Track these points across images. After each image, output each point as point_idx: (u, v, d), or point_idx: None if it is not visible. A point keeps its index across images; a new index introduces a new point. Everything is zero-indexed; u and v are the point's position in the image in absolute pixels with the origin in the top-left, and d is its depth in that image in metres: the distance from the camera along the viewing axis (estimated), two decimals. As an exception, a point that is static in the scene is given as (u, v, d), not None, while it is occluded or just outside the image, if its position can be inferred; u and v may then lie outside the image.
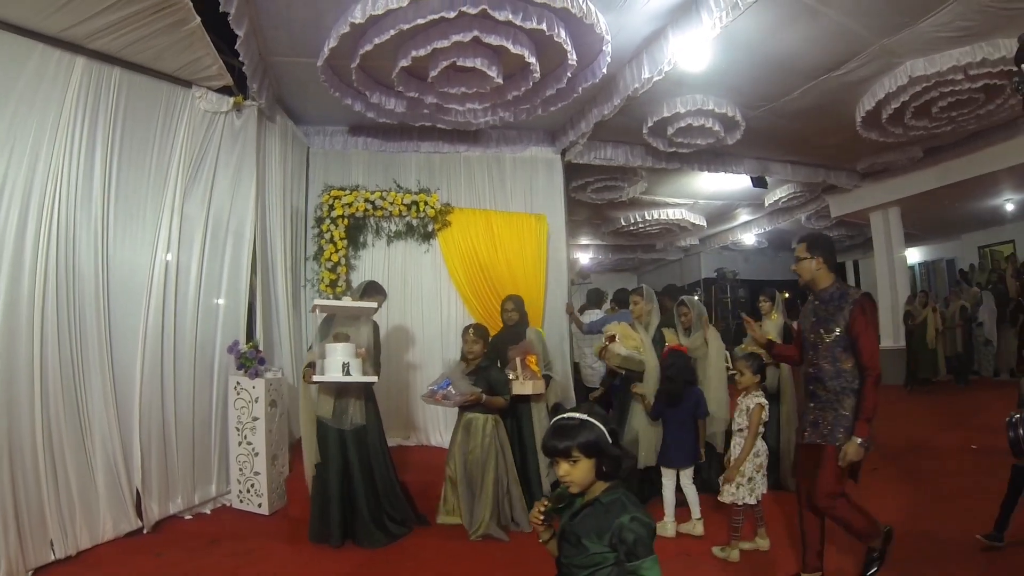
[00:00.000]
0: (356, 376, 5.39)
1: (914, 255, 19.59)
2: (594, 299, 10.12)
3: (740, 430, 5.07)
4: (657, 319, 6.36)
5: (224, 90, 6.63)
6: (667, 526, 5.38)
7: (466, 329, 5.88)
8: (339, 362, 5.32)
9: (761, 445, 5.04)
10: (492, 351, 6.13)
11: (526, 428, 6.23)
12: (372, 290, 5.96)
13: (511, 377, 5.80)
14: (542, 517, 2.52)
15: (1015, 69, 2.04)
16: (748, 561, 4.90)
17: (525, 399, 5.96)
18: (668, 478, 5.57)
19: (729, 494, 4.97)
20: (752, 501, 4.94)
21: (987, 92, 8.07)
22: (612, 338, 6.11)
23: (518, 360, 5.82)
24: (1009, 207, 15.10)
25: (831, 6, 6.34)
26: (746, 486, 4.93)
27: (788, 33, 6.79)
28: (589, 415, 2.45)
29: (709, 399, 6.11)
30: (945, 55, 7.29)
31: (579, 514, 2.47)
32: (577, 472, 2.43)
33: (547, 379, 6.06)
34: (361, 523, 5.49)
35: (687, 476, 5.55)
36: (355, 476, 5.54)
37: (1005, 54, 7.00)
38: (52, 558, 4.92)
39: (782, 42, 6.98)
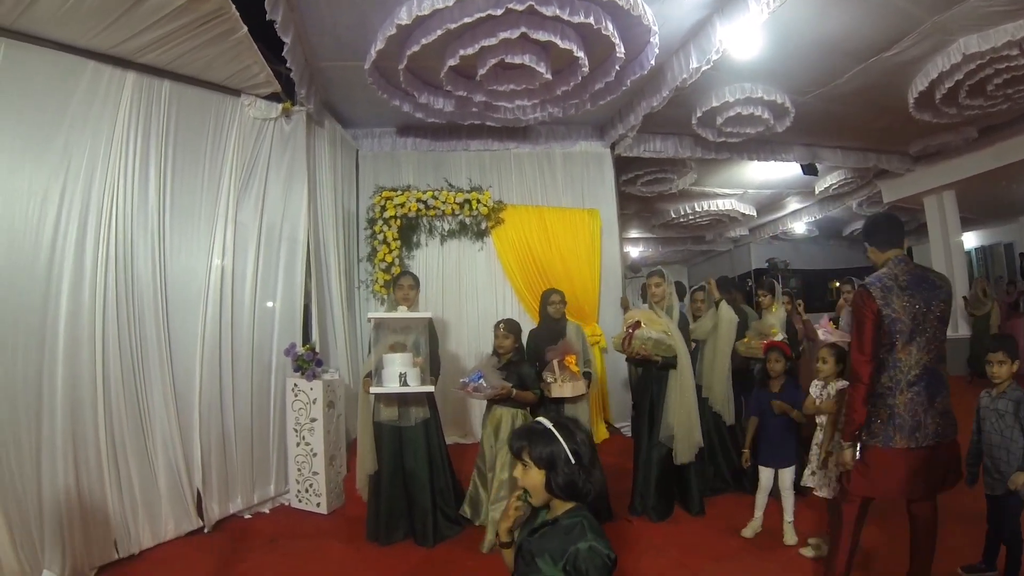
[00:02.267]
0: (414, 386, 5.29)
1: (970, 240, 18.77)
2: (679, 291, 9.98)
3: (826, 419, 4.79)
4: (678, 303, 6.14)
5: (272, 97, 6.60)
6: (754, 524, 5.24)
7: (497, 324, 5.72)
8: (396, 372, 5.24)
9: None
10: (532, 345, 6.03)
11: None
12: (396, 280, 5.84)
13: (549, 380, 5.60)
14: (519, 504, 2.43)
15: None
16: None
17: (564, 401, 5.74)
18: (766, 477, 5.26)
19: (822, 486, 4.70)
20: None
21: None
22: (637, 324, 5.83)
23: (556, 362, 5.64)
24: None
25: None
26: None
27: (837, 15, 6.54)
28: (557, 427, 2.35)
29: (713, 383, 6.24)
30: (999, 30, 6.91)
31: (538, 531, 2.37)
32: (528, 479, 2.36)
33: (587, 376, 5.87)
34: (420, 520, 5.43)
35: (788, 479, 5.17)
36: (417, 473, 5.47)
37: None
38: (116, 556, 5.00)
39: (831, 24, 6.73)
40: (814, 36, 6.97)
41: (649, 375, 6.00)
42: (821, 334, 6.89)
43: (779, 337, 6.36)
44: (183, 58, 5.48)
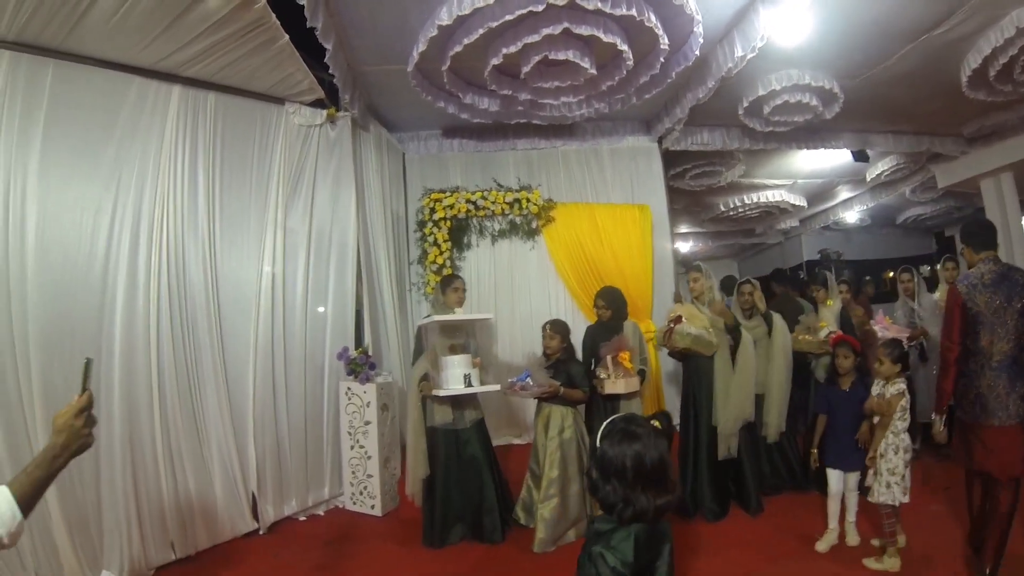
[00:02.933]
0: (477, 387, 5.30)
1: None
2: (726, 285, 9.85)
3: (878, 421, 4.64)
4: (721, 298, 6.02)
5: (317, 104, 6.65)
6: (828, 535, 4.96)
7: (544, 325, 5.70)
8: (460, 374, 5.22)
9: (907, 439, 4.52)
10: (588, 343, 5.96)
11: None
12: (449, 282, 5.78)
13: (602, 376, 5.52)
14: None
15: None
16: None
17: (618, 397, 5.64)
18: (836, 481, 4.97)
19: (879, 493, 4.48)
20: (906, 499, 4.44)
21: None
22: (678, 319, 5.74)
23: (609, 358, 5.53)
24: None
25: None
26: (900, 484, 4.44)
27: (885, -7, 6.34)
28: (624, 433, 2.26)
29: (771, 400, 6.01)
30: None
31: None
32: None
33: (642, 374, 5.75)
34: (488, 516, 5.43)
35: (853, 481, 4.91)
36: (480, 472, 5.48)
37: None
38: (173, 558, 5.12)
39: (877, 4, 6.47)
40: (860, 17, 6.73)
41: (690, 370, 5.95)
42: (878, 331, 6.72)
43: (825, 332, 6.22)
44: (227, 69, 5.54)
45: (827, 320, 6.43)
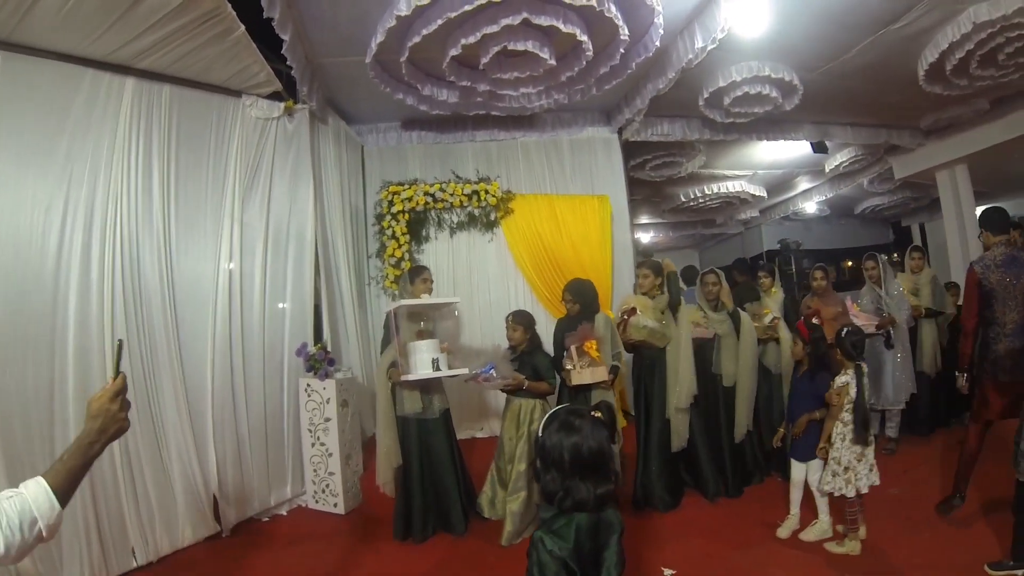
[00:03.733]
0: (446, 371, 5.35)
1: None
2: (688, 276, 9.96)
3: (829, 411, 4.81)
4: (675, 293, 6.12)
5: (274, 96, 6.61)
6: (790, 520, 5.09)
7: (507, 317, 5.77)
8: (428, 359, 5.26)
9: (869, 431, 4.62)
10: (559, 337, 5.94)
11: None
12: (418, 272, 5.85)
13: (568, 367, 5.53)
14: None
15: None
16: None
17: (588, 388, 5.63)
18: (795, 471, 5.11)
19: (826, 483, 4.67)
20: (850, 493, 4.54)
21: None
22: (632, 311, 5.82)
23: (574, 348, 5.55)
24: None
25: None
26: (842, 476, 4.57)
27: (845, -14, 6.47)
28: (562, 423, 2.36)
29: (740, 398, 6.19)
30: None
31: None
32: None
33: (615, 369, 5.72)
34: (455, 509, 5.51)
35: (815, 471, 4.98)
36: (444, 462, 5.54)
37: None
38: (134, 564, 5.06)
39: None
40: (821, 10, 6.87)
41: (642, 362, 6.05)
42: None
43: (769, 318, 6.45)
44: (182, 61, 5.48)
45: (770, 307, 6.66)
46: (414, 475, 5.42)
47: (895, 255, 16.82)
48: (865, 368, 4.78)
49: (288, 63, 6.16)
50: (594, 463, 2.29)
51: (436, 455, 5.52)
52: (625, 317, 5.80)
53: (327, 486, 6.33)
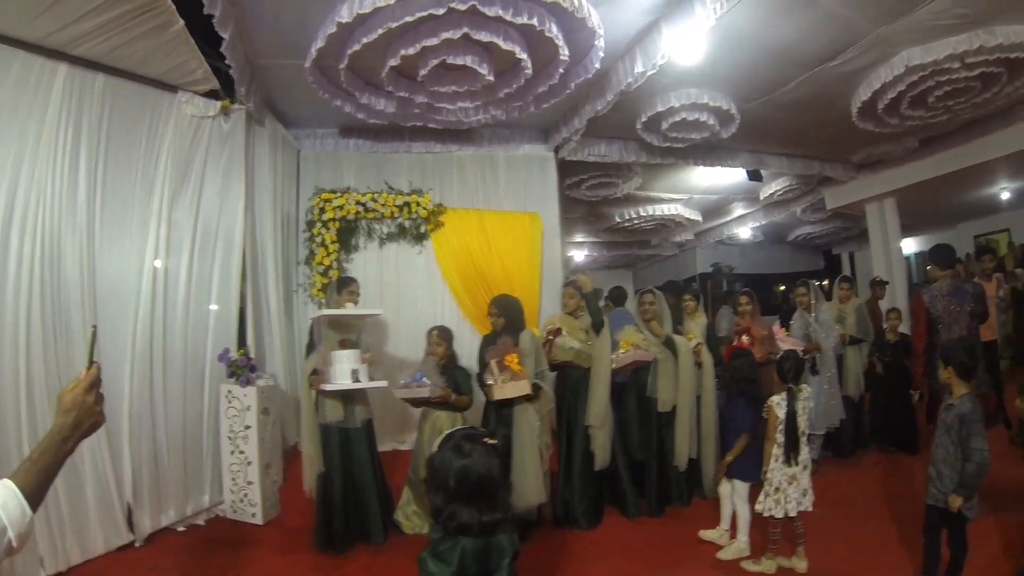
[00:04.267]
0: (365, 382, 5.41)
1: (910, 245, 19.57)
2: (616, 297, 10.14)
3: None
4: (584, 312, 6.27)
5: (211, 94, 6.54)
6: (741, 544, 5.11)
7: (431, 331, 5.85)
8: (348, 369, 5.32)
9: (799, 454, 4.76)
10: (481, 355, 5.97)
11: (515, 434, 5.67)
12: (345, 283, 5.90)
13: (489, 382, 5.58)
14: None
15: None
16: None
17: (511, 403, 5.64)
18: (743, 491, 5.19)
19: (759, 503, 4.80)
20: (779, 514, 4.68)
21: (984, 80, 8.00)
22: (557, 331, 5.98)
23: (494, 363, 5.56)
24: (1004, 195, 15.01)
25: None
26: (773, 496, 4.73)
27: (783, 23, 6.71)
28: (454, 446, 2.38)
29: (680, 425, 6.27)
30: (942, 43, 7.18)
31: None
32: None
33: (537, 388, 5.72)
34: (373, 519, 5.57)
35: (739, 491, 5.20)
36: (365, 472, 5.59)
37: (1002, 41, 6.95)
38: (42, 574, 4.87)
39: (777, 33, 6.90)
40: (760, 44, 7.13)
41: (565, 381, 6.19)
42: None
43: (693, 343, 6.57)
44: (118, 51, 5.39)
45: (694, 332, 6.79)
46: (335, 484, 5.45)
47: (825, 282, 17.37)
48: (807, 392, 4.96)
49: (227, 62, 6.07)
50: (480, 489, 2.30)
51: (357, 465, 5.57)
52: (551, 338, 5.94)
53: (245, 495, 6.24)
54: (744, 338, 6.93)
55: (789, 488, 4.68)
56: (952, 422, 4.15)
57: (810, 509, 4.71)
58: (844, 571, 4.76)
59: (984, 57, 7.20)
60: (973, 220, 17.38)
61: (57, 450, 1.75)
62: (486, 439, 2.40)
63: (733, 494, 5.22)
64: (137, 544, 5.56)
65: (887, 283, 10.33)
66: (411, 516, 5.77)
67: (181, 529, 6.03)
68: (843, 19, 6.71)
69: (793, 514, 4.69)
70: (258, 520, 6.17)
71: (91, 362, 1.89)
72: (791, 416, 4.75)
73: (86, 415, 1.81)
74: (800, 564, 4.76)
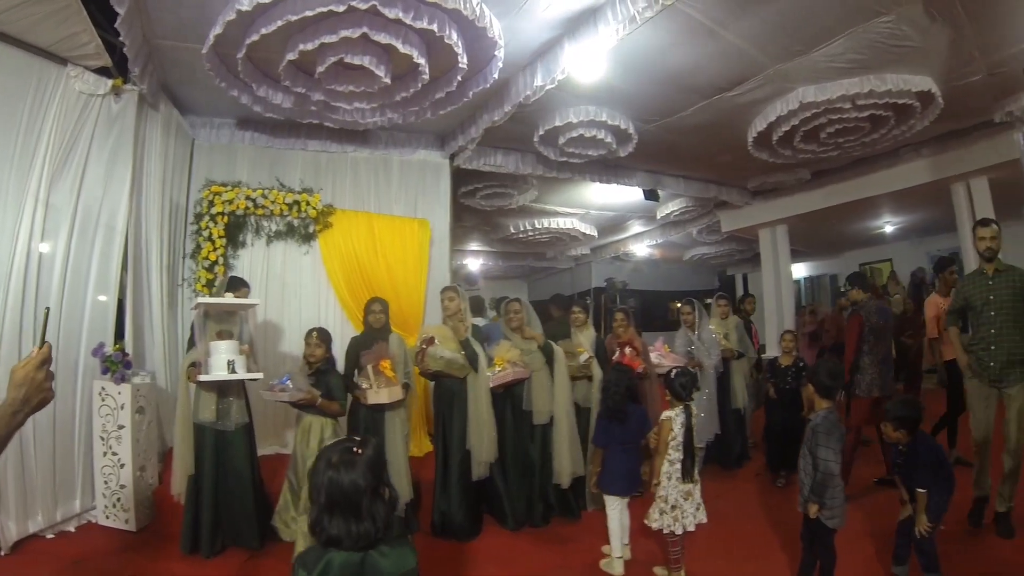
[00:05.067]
0: (241, 373, 5.38)
1: (800, 270, 20.95)
2: (474, 307, 10.12)
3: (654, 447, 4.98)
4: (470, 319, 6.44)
5: (103, 71, 6.34)
6: (614, 562, 5.15)
7: (309, 332, 5.78)
8: (224, 360, 5.29)
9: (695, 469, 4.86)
10: (352, 355, 6.09)
11: (388, 439, 5.85)
12: (236, 284, 5.95)
13: (364, 386, 5.69)
14: None
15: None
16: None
17: (382, 408, 5.80)
18: (614, 508, 5.21)
19: (653, 520, 4.83)
20: (678, 531, 4.73)
21: (872, 122, 8.70)
22: (430, 340, 6.00)
23: (370, 367, 5.70)
24: (888, 229, 16.54)
25: (729, 29, 6.61)
26: (670, 514, 4.76)
27: (685, 51, 7.03)
28: (324, 457, 2.44)
29: (559, 438, 6.30)
30: (835, 84, 7.80)
31: None
32: None
33: (406, 387, 5.90)
34: (248, 525, 5.51)
35: (612, 506, 5.22)
36: (242, 477, 5.54)
37: (891, 87, 7.67)
38: None
39: (679, 59, 7.22)
40: (662, 68, 7.45)
41: (441, 391, 6.26)
42: (655, 358, 7.25)
43: (584, 357, 6.68)
44: (5, 14, 5.20)
45: (583, 345, 6.93)
46: (206, 487, 5.40)
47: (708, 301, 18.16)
48: (694, 409, 5.10)
49: (122, 38, 5.87)
50: (348, 500, 2.32)
51: (233, 469, 5.53)
52: (423, 346, 5.98)
53: (118, 500, 6.04)
54: (627, 350, 7.14)
55: (686, 504, 4.77)
56: (808, 434, 4.48)
57: (704, 521, 4.85)
58: (730, 572, 5.04)
59: (874, 100, 7.93)
60: (859, 249, 18.80)
61: (7, 424, 1.89)
62: (355, 449, 2.42)
63: (621, 507, 5.27)
64: (2, 552, 5.29)
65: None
66: (288, 522, 5.62)
67: (50, 536, 5.75)
68: (743, 52, 7.10)
69: (691, 528, 4.78)
70: (132, 527, 5.97)
71: (43, 341, 2.00)
72: (689, 432, 4.86)
73: (36, 391, 1.95)
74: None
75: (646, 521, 4.88)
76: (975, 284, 5.75)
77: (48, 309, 2.05)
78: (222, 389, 5.47)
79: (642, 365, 6.91)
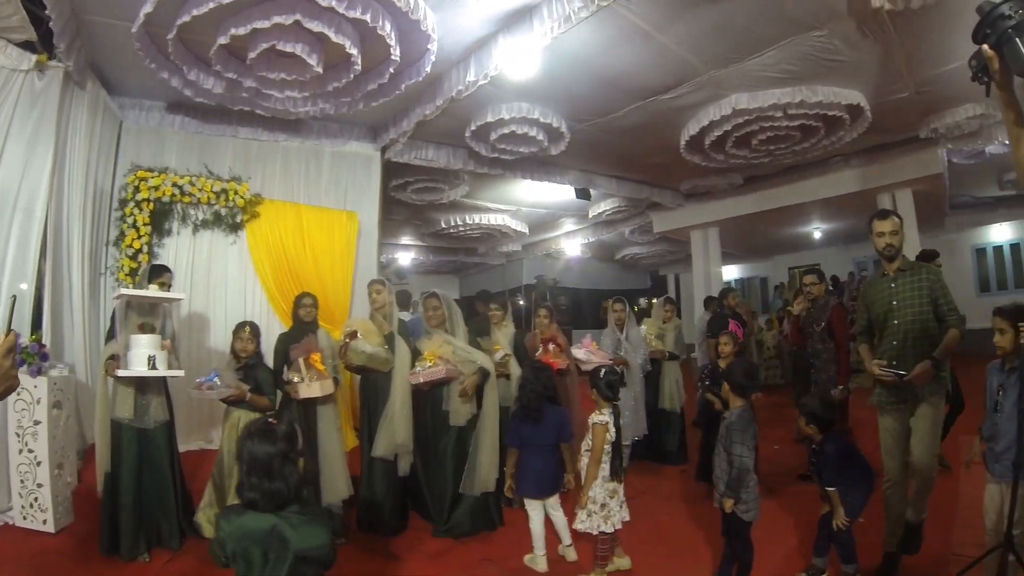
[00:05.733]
0: (162, 370, 5.25)
1: (731, 271, 21.61)
2: (401, 301, 10.14)
3: (587, 450, 4.91)
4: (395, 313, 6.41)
5: (27, 46, 6.20)
6: (537, 559, 5.15)
7: (241, 326, 5.75)
8: (144, 355, 5.14)
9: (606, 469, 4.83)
10: (281, 349, 6.05)
11: (321, 434, 5.86)
12: (157, 272, 5.76)
13: (295, 380, 5.66)
14: None
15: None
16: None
17: (314, 402, 5.77)
18: (534, 509, 5.21)
19: (580, 522, 4.81)
20: (608, 529, 4.76)
21: (803, 131, 9.11)
22: (353, 334, 5.92)
23: (301, 361, 5.67)
24: (817, 234, 17.37)
25: (666, 33, 6.79)
26: (599, 513, 4.77)
27: (620, 53, 7.19)
28: (247, 429, 2.88)
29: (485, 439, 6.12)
30: (768, 93, 8.16)
31: None
32: None
33: (335, 381, 5.94)
34: (170, 523, 5.39)
35: (554, 505, 5.23)
36: (163, 475, 5.41)
37: (822, 99, 8.10)
38: None
39: (614, 61, 7.39)
40: (597, 68, 7.62)
41: (367, 385, 6.22)
42: (582, 354, 7.24)
43: (500, 355, 6.58)
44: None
45: (501, 342, 6.85)
46: (125, 486, 5.24)
47: (652, 300, 18.50)
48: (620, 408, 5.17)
49: (48, 11, 5.70)
50: (262, 464, 2.67)
51: (153, 467, 5.39)
52: (347, 340, 5.94)
53: (35, 500, 5.75)
54: (551, 347, 7.21)
55: (612, 502, 4.80)
56: (723, 431, 4.66)
57: (627, 519, 4.87)
58: (656, 565, 5.13)
59: (805, 111, 8.34)
60: (788, 253, 19.53)
61: None
62: (270, 421, 2.85)
63: (541, 509, 5.25)
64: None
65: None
66: (213, 519, 5.47)
67: (-36, 540, 5.54)
68: (679, 57, 7.31)
69: (619, 526, 4.82)
70: (50, 528, 5.70)
71: (8, 329, 2.01)
72: (617, 431, 4.90)
73: (2, 378, 1.95)
74: (623, 562, 5.04)
75: (575, 525, 4.88)
76: (876, 289, 4.94)
77: (15, 297, 2.03)
78: (141, 385, 5.32)
79: (564, 362, 6.98)
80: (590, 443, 4.87)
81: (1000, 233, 17.73)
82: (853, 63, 7.55)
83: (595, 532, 4.78)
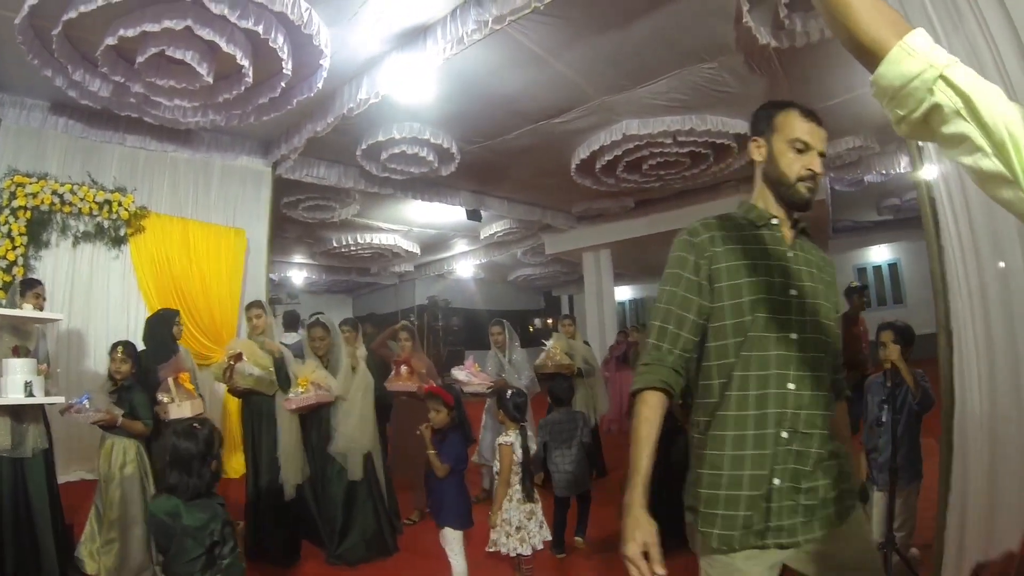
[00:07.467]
0: (40, 397, 4.95)
1: (625, 292, 22.21)
2: (289, 321, 10.01)
3: (497, 472, 4.90)
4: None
5: None
6: None
7: (115, 346, 5.42)
8: (20, 381, 4.85)
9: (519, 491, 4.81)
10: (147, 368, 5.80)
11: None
12: (29, 285, 5.54)
13: (166, 400, 5.48)
14: None
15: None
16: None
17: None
18: (454, 540, 4.79)
19: (501, 545, 4.70)
20: (527, 552, 4.68)
21: (692, 158, 9.59)
22: (238, 356, 5.82)
23: (171, 380, 5.53)
24: None
25: (558, 58, 7.04)
26: (516, 536, 4.69)
27: (512, 76, 7.41)
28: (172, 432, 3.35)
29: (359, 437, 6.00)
30: (658, 120, 8.61)
31: None
32: None
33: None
34: (48, 560, 5.02)
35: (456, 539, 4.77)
36: (41, 508, 5.05)
37: (711, 128, 8.62)
38: None
39: (506, 83, 7.61)
40: (488, 91, 7.86)
41: (251, 409, 6.10)
42: (463, 376, 7.28)
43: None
44: None
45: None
46: (2, 520, 4.90)
47: (548, 320, 18.84)
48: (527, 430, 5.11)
49: None
50: (184, 461, 3.19)
51: (33, 500, 5.04)
52: (231, 363, 5.82)
53: None
54: (403, 369, 7.17)
55: (530, 524, 4.74)
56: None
57: (549, 538, 4.86)
58: None
59: (694, 138, 8.87)
60: None
61: None
62: (195, 426, 3.33)
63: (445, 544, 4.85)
64: None
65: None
66: (94, 553, 5.17)
67: None
68: (571, 82, 7.57)
69: (539, 547, 4.77)
70: None
71: None
72: (526, 452, 4.87)
73: None
74: None
75: (490, 548, 4.77)
76: None
77: None
78: (17, 413, 4.96)
79: (415, 385, 6.79)
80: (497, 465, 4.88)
81: (879, 254, 20.04)
82: (741, 95, 7.99)
83: (514, 555, 4.71)
